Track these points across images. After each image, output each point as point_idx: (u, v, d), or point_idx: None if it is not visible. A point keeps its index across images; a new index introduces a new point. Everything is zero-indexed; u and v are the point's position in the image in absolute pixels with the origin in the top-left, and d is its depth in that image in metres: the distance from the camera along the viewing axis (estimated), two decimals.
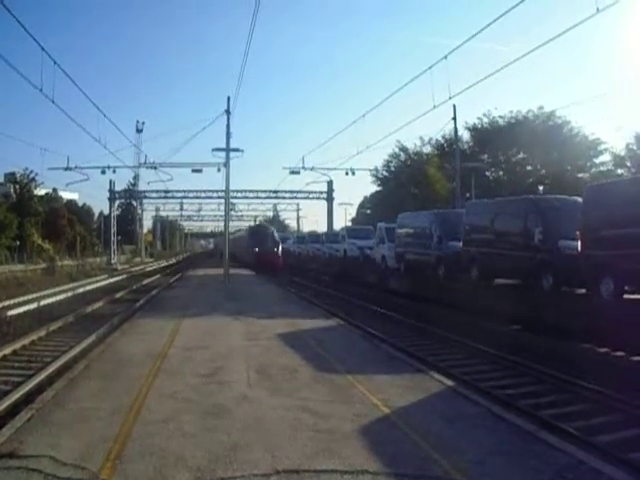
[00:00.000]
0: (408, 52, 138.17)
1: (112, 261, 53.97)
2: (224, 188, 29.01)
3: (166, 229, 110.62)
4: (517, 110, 48.25)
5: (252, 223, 74.01)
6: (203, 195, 61.27)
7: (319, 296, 25.04)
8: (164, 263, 65.42)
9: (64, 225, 75.24)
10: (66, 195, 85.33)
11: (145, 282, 34.00)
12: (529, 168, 48.64)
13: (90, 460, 4.94)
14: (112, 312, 18.95)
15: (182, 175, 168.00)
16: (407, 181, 54.86)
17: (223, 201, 36.98)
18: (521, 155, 49.05)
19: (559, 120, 45.74)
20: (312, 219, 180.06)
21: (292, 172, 45.27)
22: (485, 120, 50.22)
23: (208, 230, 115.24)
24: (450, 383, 8.12)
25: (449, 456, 5.12)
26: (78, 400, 6.90)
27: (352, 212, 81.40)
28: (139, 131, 67.94)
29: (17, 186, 70.92)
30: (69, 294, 24.46)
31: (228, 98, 26.53)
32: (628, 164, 42.45)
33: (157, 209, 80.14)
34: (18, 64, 19.06)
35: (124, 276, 39.66)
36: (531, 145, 44.25)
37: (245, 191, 60.89)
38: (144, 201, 70.87)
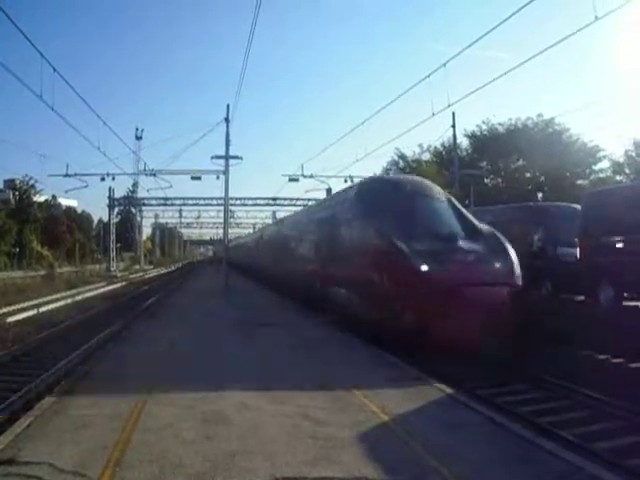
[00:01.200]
0: (408, 59, 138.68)
1: (111, 268, 53.89)
2: (223, 195, 29.02)
3: (165, 236, 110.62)
4: (516, 117, 48.45)
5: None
6: (202, 202, 61.28)
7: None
8: (163, 270, 65.44)
9: (63, 232, 75.41)
10: (65, 202, 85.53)
11: (143, 289, 33.98)
12: (528, 175, 48.71)
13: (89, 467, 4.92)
14: (110, 319, 18.90)
15: (181, 182, 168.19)
16: None
17: (222, 208, 36.98)
18: (520, 162, 49.15)
19: (558, 127, 45.87)
20: None
21: (291, 179, 45.18)
22: (484, 127, 50.37)
23: (207, 237, 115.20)
24: (449, 390, 8.07)
25: (448, 463, 5.11)
26: (78, 407, 6.88)
27: None
28: (138, 138, 68.35)
29: (16, 193, 71.11)
30: (68, 301, 24.47)
31: (227, 106, 26.64)
32: (627, 171, 42.60)
33: (156, 216, 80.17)
34: (18, 71, 19.17)
35: (123, 283, 39.65)
36: (530, 152, 44.32)
37: (244, 198, 60.91)
38: (143, 208, 70.90)
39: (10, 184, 72.14)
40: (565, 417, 8.21)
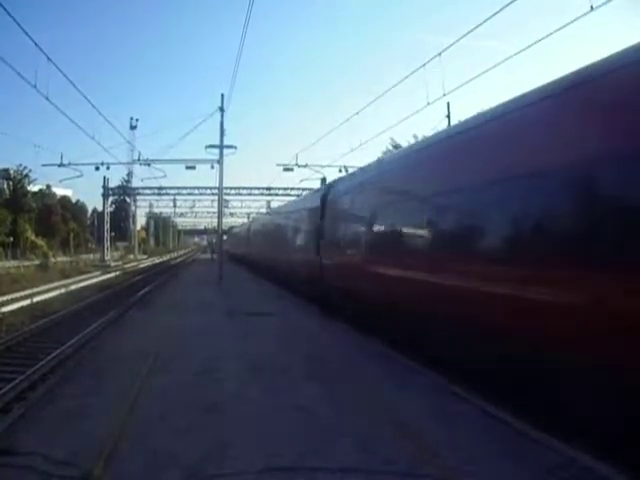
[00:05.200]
0: (403, 50, 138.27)
1: (106, 258, 53.78)
2: (217, 185, 28.93)
3: (159, 226, 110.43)
4: None
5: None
6: (196, 192, 61.18)
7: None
8: (157, 260, 65.43)
9: (58, 221, 75.18)
10: (60, 191, 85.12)
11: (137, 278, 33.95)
12: None
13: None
14: (105, 308, 18.89)
15: (176, 172, 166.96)
16: None
17: (216, 198, 36.86)
18: None
19: None
20: None
21: (285, 169, 45.04)
22: None
23: (201, 227, 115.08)
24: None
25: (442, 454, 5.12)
26: (71, 396, 6.86)
27: None
28: (133, 128, 68.05)
29: (11, 182, 70.81)
30: (62, 291, 24.45)
31: (222, 95, 26.45)
32: None
33: (150, 206, 79.95)
34: (12, 60, 18.94)
35: (117, 273, 39.57)
36: None
37: (238, 188, 60.83)
38: (137, 198, 70.74)
39: (4, 174, 71.68)
40: None
